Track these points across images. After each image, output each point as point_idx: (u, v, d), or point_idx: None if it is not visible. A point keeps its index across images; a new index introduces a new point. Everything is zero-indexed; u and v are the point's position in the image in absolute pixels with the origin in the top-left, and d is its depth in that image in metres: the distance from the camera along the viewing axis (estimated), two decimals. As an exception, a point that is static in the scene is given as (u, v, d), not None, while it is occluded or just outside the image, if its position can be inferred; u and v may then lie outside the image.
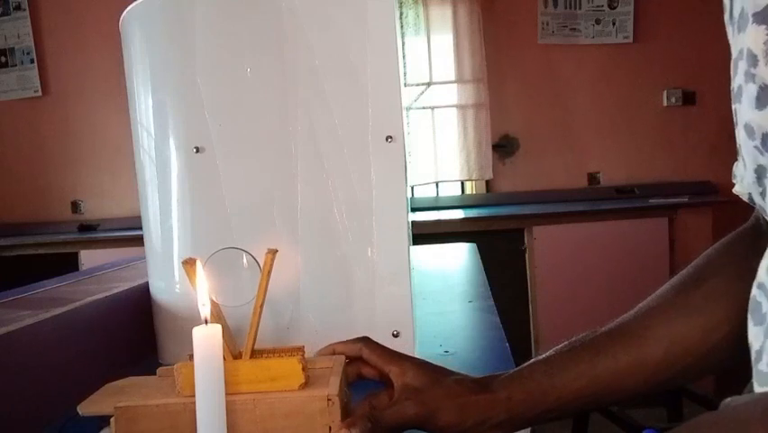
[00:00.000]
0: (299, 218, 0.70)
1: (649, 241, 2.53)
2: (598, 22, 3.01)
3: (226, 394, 0.42)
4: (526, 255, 2.61)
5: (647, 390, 0.49)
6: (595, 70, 3.05)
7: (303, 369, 0.44)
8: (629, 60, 3.03)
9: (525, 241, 2.61)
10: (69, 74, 3.15)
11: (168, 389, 0.45)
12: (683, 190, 2.88)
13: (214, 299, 0.46)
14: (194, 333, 0.44)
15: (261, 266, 0.47)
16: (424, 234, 2.36)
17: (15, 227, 3.08)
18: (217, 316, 0.46)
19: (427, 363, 0.50)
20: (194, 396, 0.41)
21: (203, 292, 0.46)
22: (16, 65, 3.15)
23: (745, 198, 0.48)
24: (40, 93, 3.15)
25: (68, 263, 2.64)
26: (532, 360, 0.50)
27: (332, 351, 0.51)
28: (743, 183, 0.46)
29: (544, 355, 0.50)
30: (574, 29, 3.02)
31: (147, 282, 0.80)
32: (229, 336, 0.46)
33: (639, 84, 3.04)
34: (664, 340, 0.48)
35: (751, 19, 0.38)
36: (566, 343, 0.50)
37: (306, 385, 0.44)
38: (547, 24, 3.02)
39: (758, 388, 0.40)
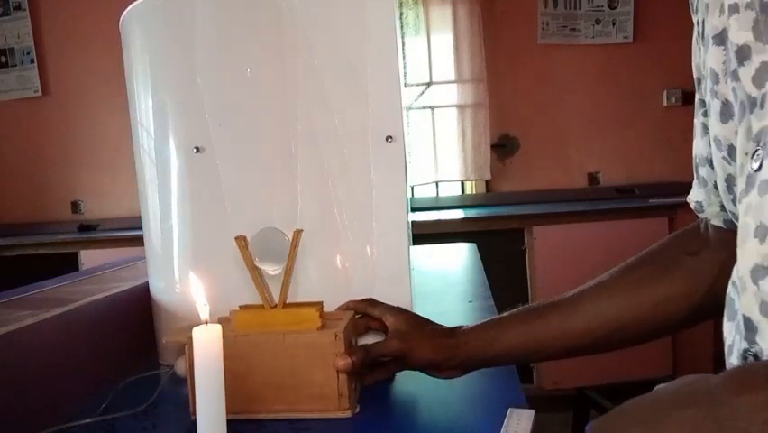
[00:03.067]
0: (299, 218, 0.70)
1: (649, 241, 2.49)
2: (598, 22, 3.01)
3: (265, 333, 0.59)
4: (526, 255, 2.61)
5: (574, 352, 0.60)
6: (595, 70, 3.05)
7: (320, 316, 0.60)
8: (629, 60, 3.03)
9: (525, 241, 2.61)
10: (69, 74, 3.14)
11: (226, 327, 0.55)
12: (683, 190, 2.83)
13: (258, 265, 0.63)
14: (194, 333, 0.44)
15: (291, 240, 0.63)
16: (424, 234, 2.36)
17: (15, 227, 3.08)
18: (260, 277, 0.62)
19: (416, 315, 0.65)
20: (248, 333, 0.59)
21: (201, 293, 0.47)
22: (16, 65, 3.15)
23: (691, 205, 0.57)
24: (40, 93, 3.15)
25: (68, 263, 2.63)
26: (490, 317, 0.63)
27: (346, 306, 0.66)
28: (695, 191, 0.55)
29: (499, 315, 0.63)
30: (574, 29, 3.02)
31: (147, 282, 0.80)
32: (268, 293, 0.62)
33: (639, 84, 3.03)
34: (588, 313, 0.59)
35: (711, 41, 0.42)
36: (521, 307, 0.63)
37: (322, 327, 0.60)
38: (547, 24, 3.02)
39: None
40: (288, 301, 0.62)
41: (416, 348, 0.60)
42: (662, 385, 0.36)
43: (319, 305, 0.61)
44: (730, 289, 0.44)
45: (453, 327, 0.63)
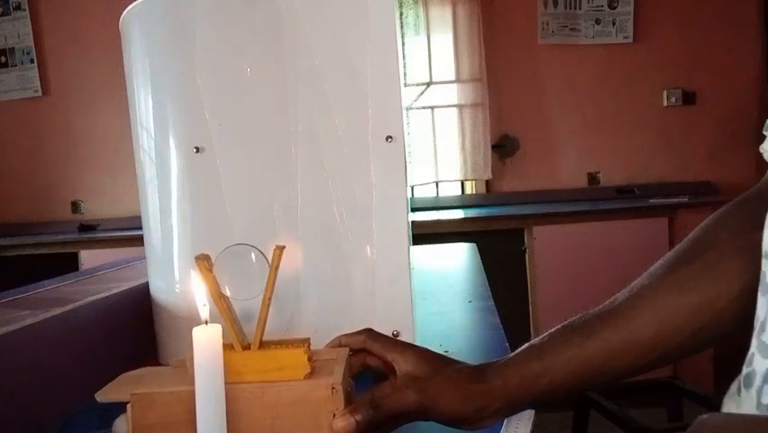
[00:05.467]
0: (299, 218, 0.70)
1: (649, 241, 2.52)
2: (598, 22, 3.01)
3: (237, 383, 0.45)
4: (526, 255, 2.61)
5: (638, 370, 0.49)
6: (595, 70, 3.05)
7: (309, 359, 0.46)
8: (629, 60, 3.03)
9: (525, 241, 2.61)
10: (69, 74, 3.15)
11: (180, 378, 0.46)
12: (683, 190, 2.88)
13: (225, 293, 0.48)
14: (194, 333, 0.44)
15: (269, 261, 0.49)
16: (424, 234, 2.36)
17: (15, 227, 3.08)
18: (228, 309, 0.48)
19: (429, 351, 0.51)
20: None
21: (202, 293, 0.47)
22: (16, 65, 3.15)
23: (765, 156, 0.46)
24: (40, 93, 3.15)
25: (68, 263, 2.64)
26: (526, 344, 0.51)
27: (338, 343, 0.52)
28: None
29: (537, 340, 0.50)
30: (574, 29, 3.02)
31: (147, 282, 0.80)
32: (238, 329, 0.48)
33: (639, 84, 3.04)
34: (653, 321, 0.48)
35: None
36: (560, 326, 0.51)
37: (311, 375, 0.46)
38: (547, 24, 3.02)
39: (759, 359, 0.39)
40: (271, 327, 0.47)
41: (440, 399, 0.47)
42: (711, 419, 0.30)
43: (306, 342, 0.47)
44: (763, 262, 0.40)
45: (483, 366, 0.49)
